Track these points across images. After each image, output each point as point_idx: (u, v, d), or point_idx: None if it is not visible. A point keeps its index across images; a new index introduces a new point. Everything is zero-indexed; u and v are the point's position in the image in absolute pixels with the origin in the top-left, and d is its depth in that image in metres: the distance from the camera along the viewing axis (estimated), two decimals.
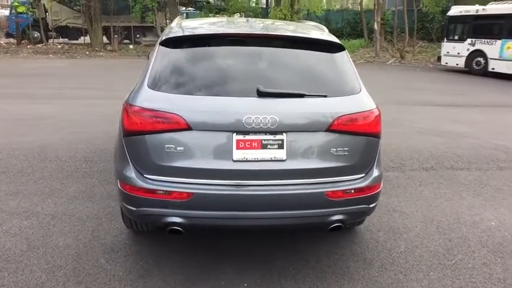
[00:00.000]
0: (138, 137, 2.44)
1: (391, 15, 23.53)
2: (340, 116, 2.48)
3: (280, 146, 2.43)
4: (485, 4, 16.49)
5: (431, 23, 23.49)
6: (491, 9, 15.22)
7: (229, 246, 3.10)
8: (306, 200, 2.48)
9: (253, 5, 24.91)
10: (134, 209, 2.51)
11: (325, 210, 2.51)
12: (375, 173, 2.67)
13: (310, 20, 21.84)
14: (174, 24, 3.13)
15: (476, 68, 15.44)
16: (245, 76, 2.59)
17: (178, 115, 2.36)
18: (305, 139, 2.48)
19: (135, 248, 3.01)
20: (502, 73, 14.32)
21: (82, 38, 22.29)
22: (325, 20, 23.68)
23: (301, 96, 2.50)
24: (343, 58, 2.78)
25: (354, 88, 2.66)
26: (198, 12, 24.02)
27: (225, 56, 2.69)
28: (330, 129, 2.47)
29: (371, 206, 2.68)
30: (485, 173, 4.86)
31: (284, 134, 2.43)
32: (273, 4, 25.64)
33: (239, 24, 3.45)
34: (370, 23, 22.24)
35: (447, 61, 16.78)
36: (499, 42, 14.59)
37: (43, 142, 5.46)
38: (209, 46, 2.70)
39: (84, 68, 14.97)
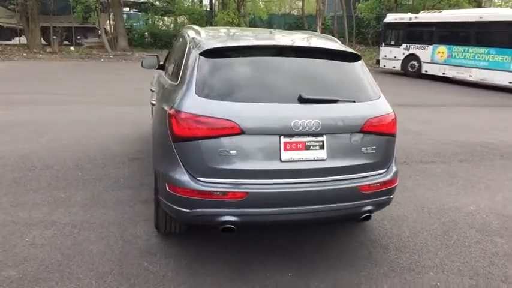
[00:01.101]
0: (192, 142, 2.59)
1: (331, 21, 24.85)
2: (369, 119, 2.83)
3: (321, 147, 2.72)
4: (416, 12, 18.15)
5: (367, 28, 25.23)
6: (423, 17, 16.78)
7: (259, 243, 3.31)
8: (344, 194, 2.79)
9: (198, 7, 24.80)
10: (187, 210, 2.64)
11: (359, 202, 2.84)
12: (394, 168, 3.07)
13: (255, 24, 22.07)
14: (203, 35, 3.25)
15: (411, 70, 16.92)
16: (285, 84, 2.83)
17: (233, 121, 2.55)
18: (341, 140, 2.79)
19: (172, 250, 3.10)
20: (433, 75, 15.88)
21: (17, 38, 20.78)
22: (269, 23, 24.34)
23: (335, 101, 2.81)
24: (361, 66, 3.14)
25: (375, 94, 3.02)
26: (143, 14, 23.44)
27: (265, 65, 2.91)
28: (361, 130, 2.80)
29: (391, 197, 3.07)
30: (450, 165, 5.53)
31: (324, 136, 2.72)
32: (217, 7, 25.79)
33: (267, 36, 3.68)
34: (312, 27, 23.29)
35: (385, 64, 18.20)
36: (430, 47, 16.14)
37: (24, 151, 5.22)
38: (249, 56, 2.90)
39: (27, 71, 14.06)
